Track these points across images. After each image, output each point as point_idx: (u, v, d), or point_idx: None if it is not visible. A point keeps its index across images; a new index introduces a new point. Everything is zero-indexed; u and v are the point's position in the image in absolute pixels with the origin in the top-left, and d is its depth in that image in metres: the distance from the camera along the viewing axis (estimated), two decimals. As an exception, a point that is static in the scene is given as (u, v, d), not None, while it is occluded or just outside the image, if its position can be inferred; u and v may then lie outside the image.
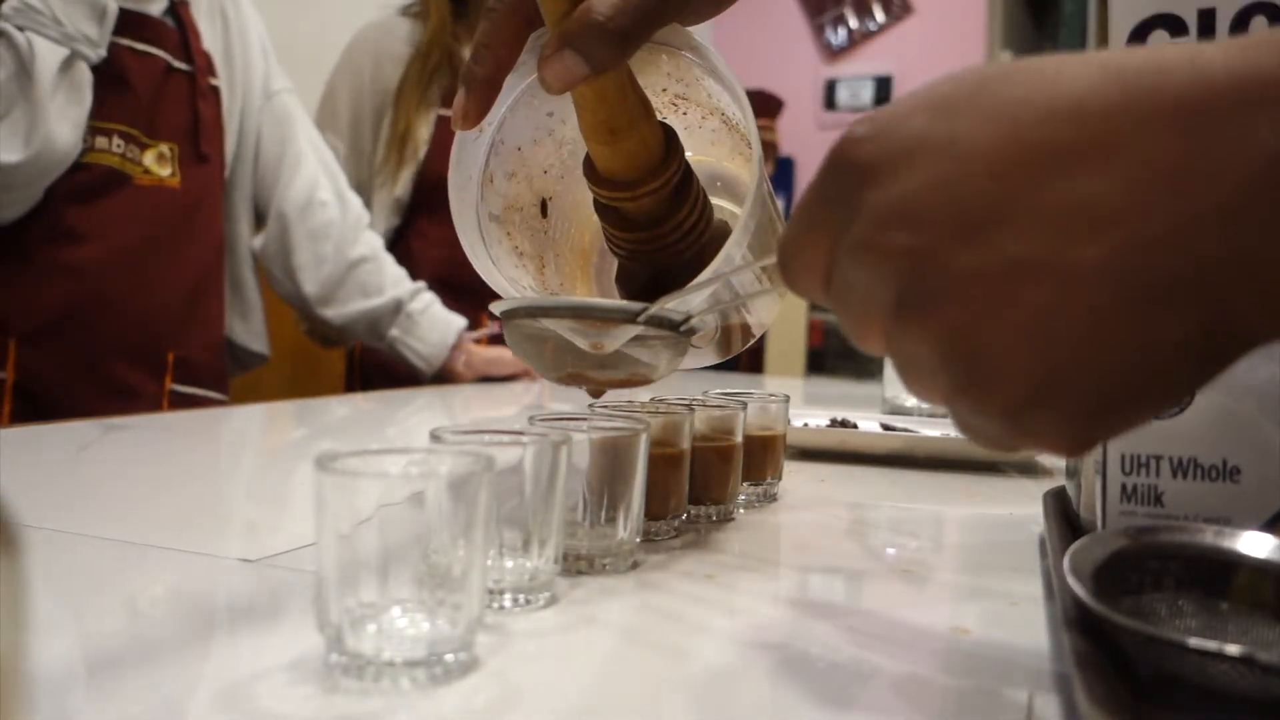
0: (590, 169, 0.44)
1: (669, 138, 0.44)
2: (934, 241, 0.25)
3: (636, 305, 0.42)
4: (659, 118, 0.44)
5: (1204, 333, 0.24)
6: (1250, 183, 0.22)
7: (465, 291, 1.45)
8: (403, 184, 1.50)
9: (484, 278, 0.47)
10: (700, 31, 0.44)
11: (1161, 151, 0.23)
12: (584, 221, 0.52)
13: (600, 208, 0.46)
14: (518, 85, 0.47)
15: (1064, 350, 0.24)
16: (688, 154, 0.46)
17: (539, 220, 0.51)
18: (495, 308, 0.44)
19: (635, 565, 0.44)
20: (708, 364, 0.54)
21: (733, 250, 0.41)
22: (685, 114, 0.50)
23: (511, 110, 0.48)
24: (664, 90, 0.48)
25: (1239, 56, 0.23)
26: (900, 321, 0.27)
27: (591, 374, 0.44)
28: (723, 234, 0.46)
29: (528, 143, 0.49)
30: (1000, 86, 0.26)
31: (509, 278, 0.47)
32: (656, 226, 0.45)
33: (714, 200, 0.50)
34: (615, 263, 0.50)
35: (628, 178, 0.43)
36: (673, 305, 0.42)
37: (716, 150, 0.51)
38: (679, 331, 0.43)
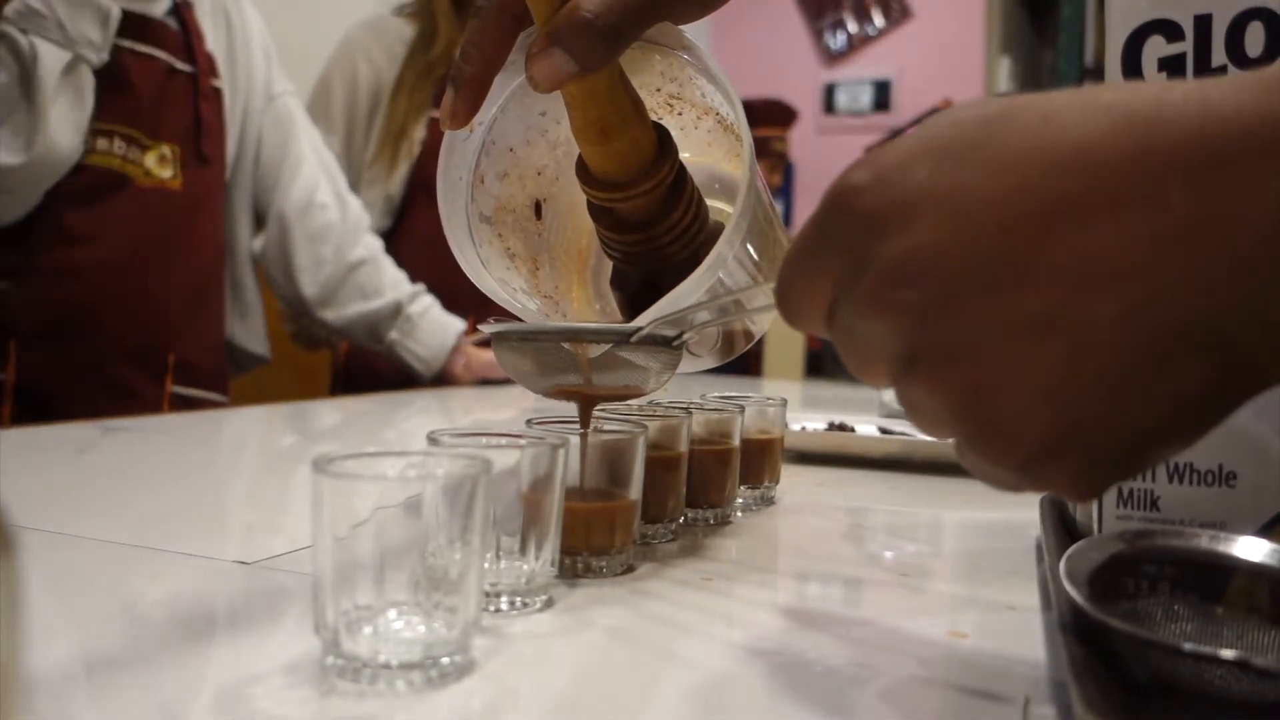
0: (582, 170, 0.44)
1: (662, 138, 0.44)
2: (945, 299, 0.25)
3: (629, 326, 0.42)
4: (654, 119, 0.44)
5: (1217, 381, 0.24)
6: (1264, 234, 0.22)
7: (455, 295, 1.45)
8: (396, 183, 1.49)
9: (472, 279, 0.46)
10: (698, 34, 0.44)
11: (1173, 203, 0.23)
12: (580, 223, 0.52)
13: (593, 209, 0.46)
14: (509, 85, 0.46)
15: (1081, 406, 0.24)
16: (684, 155, 0.46)
17: (533, 223, 0.51)
18: (485, 329, 0.44)
19: (631, 569, 0.44)
20: (709, 367, 0.54)
21: (724, 250, 0.41)
22: (680, 114, 0.49)
23: (503, 110, 0.47)
24: (658, 90, 0.48)
25: (1250, 101, 0.23)
26: (911, 375, 0.27)
27: (584, 390, 0.44)
28: (718, 235, 0.46)
29: (520, 143, 0.49)
30: (1004, 134, 0.25)
31: (499, 279, 0.47)
32: (650, 228, 0.45)
33: (712, 202, 0.49)
34: (611, 265, 0.50)
35: (620, 178, 0.43)
36: (669, 311, 0.42)
37: (713, 151, 0.51)
38: (672, 346, 0.43)
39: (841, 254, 0.28)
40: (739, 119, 0.44)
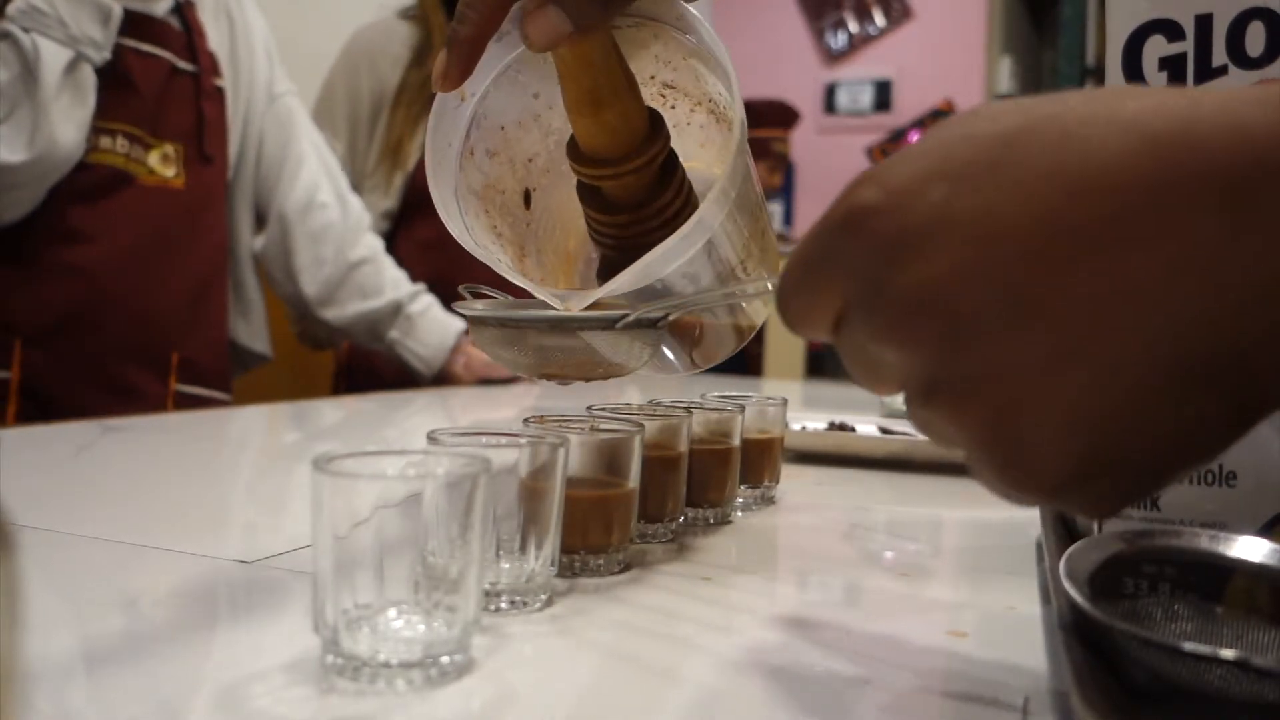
0: (573, 148, 0.44)
1: (654, 119, 0.44)
2: (967, 330, 0.24)
3: (614, 313, 0.41)
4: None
5: (1240, 406, 0.24)
6: None
7: (455, 296, 1.44)
8: (393, 194, 1.50)
9: (456, 236, 0.45)
10: None
11: (1199, 230, 0.22)
12: (570, 224, 0.51)
13: (583, 191, 0.46)
14: (502, 57, 0.46)
15: (1107, 436, 0.24)
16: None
17: (521, 210, 0.50)
18: (463, 312, 0.44)
19: (628, 567, 0.44)
20: (708, 367, 0.53)
21: (708, 214, 0.40)
22: (674, 107, 0.49)
23: (495, 84, 0.47)
24: (652, 78, 0.48)
25: None
26: (930, 402, 0.26)
27: (566, 372, 0.44)
28: None
29: (512, 124, 0.48)
30: (1023, 154, 0.24)
31: (481, 244, 0.46)
32: (638, 210, 0.44)
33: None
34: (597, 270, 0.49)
35: (610, 154, 0.43)
36: (645, 277, 0.41)
37: (705, 154, 0.50)
38: (656, 327, 0.43)
39: (851, 274, 0.27)
40: (734, 92, 0.42)
